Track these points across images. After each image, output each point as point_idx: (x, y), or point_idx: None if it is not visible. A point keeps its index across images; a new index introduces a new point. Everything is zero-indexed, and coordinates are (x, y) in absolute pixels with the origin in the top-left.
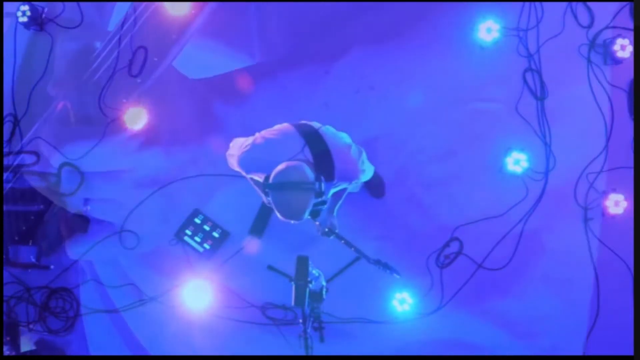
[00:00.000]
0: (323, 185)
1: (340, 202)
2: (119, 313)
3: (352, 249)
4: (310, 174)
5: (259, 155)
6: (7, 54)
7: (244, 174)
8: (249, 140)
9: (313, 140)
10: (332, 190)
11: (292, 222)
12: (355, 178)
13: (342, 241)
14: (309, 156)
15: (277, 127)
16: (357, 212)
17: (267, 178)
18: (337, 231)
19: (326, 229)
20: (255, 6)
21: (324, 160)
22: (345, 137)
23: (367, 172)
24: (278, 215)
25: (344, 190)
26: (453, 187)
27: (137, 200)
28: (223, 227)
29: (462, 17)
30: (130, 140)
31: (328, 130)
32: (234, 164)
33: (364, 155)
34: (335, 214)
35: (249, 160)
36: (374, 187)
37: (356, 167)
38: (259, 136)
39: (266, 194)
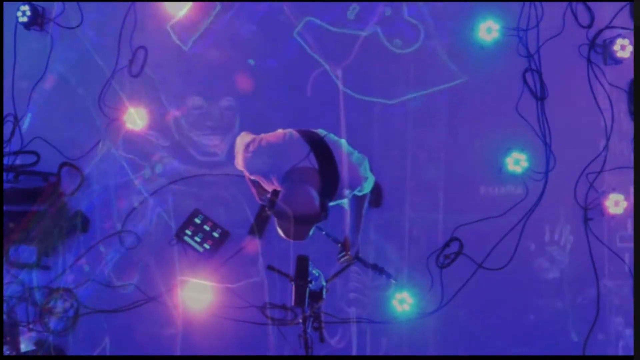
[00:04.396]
0: (327, 212)
1: (363, 219)
2: (118, 313)
3: (377, 271)
4: (316, 200)
5: (265, 160)
6: (7, 54)
7: (247, 174)
8: (254, 142)
9: (318, 147)
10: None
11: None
12: (359, 185)
13: (366, 265)
14: (314, 163)
15: (280, 131)
16: None
17: (274, 194)
18: (360, 255)
19: (352, 256)
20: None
21: (328, 167)
22: (345, 144)
23: (370, 180)
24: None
25: (362, 205)
26: (453, 187)
27: (137, 200)
28: (223, 227)
29: (462, 17)
30: (130, 140)
31: (331, 138)
32: (239, 162)
33: (367, 163)
34: (359, 233)
35: (255, 163)
36: (372, 195)
37: (359, 174)
38: (263, 139)
39: (273, 216)
